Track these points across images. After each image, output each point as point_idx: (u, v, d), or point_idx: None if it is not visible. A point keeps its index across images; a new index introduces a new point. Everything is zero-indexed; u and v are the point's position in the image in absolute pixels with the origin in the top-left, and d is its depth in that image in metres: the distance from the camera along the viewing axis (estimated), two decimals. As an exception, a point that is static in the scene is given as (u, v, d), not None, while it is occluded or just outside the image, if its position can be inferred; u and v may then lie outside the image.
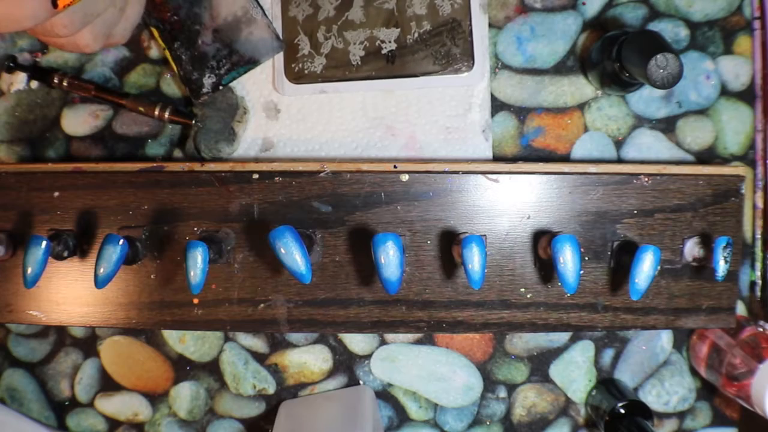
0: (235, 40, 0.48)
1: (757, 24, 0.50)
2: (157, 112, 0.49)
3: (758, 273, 0.52)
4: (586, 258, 0.45)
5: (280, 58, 0.49)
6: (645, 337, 0.53)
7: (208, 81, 0.48)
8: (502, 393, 0.53)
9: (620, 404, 0.49)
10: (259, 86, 0.50)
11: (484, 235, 0.44)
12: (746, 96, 0.51)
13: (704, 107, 0.51)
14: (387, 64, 0.48)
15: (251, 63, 0.48)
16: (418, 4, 0.48)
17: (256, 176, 0.44)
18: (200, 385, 0.53)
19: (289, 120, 0.50)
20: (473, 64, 0.48)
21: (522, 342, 0.52)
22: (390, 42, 0.48)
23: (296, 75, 0.49)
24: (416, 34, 0.48)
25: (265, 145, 0.50)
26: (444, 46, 0.47)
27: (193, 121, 0.49)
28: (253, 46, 0.48)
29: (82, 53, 0.45)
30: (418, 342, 0.53)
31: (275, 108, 0.50)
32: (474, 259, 0.38)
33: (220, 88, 0.48)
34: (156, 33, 0.47)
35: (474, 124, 0.50)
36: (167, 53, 0.48)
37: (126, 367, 0.53)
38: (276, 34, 0.48)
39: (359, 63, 0.48)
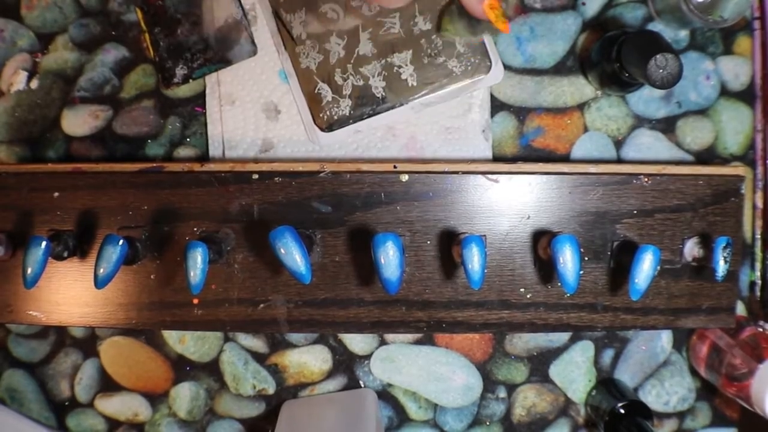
0: (212, 37, 0.48)
1: (756, 24, 0.50)
2: None
3: (758, 273, 0.52)
4: (586, 258, 0.45)
5: (305, 110, 0.49)
6: (645, 337, 0.53)
7: (180, 72, 0.48)
8: (502, 393, 0.53)
9: (620, 404, 0.49)
10: (259, 86, 0.50)
11: (484, 235, 0.44)
12: (746, 96, 0.51)
13: (704, 107, 0.51)
14: (410, 87, 0.48)
15: (223, 62, 0.48)
16: (422, 20, 0.47)
17: (255, 176, 0.44)
18: (200, 385, 0.53)
19: (289, 120, 0.50)
20: (490, 62, 0.48)
21: (522, 342, 0.52)
22: (407, 65, 0.48)
23: (327, 123, 0.48)
24: (429, 50, 0.48)
25: (265, 146, 0.50)
26: (459, 54, 0.47)
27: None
28: (228, 46, 0.48)
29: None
30: (418, 342, 0.53)
31: (275, 109, 0.50)
32: (474, 259, 0.38)
33: (191, 80, 0.49)
34: (140, 14, 0.48)
35: (474, 124, 0.50)
36: (146, 36, 0.48)
37: (126, 367, 0.53)
38: (252, 40, 0.48)
39: (384, 94, 0.48)
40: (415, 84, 0.48)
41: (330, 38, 0.48)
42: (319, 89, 0.48)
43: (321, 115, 0.48)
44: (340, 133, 0.49)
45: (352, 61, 0.48)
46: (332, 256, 0.45)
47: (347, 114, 0.48)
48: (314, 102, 0.48)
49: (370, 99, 0.48)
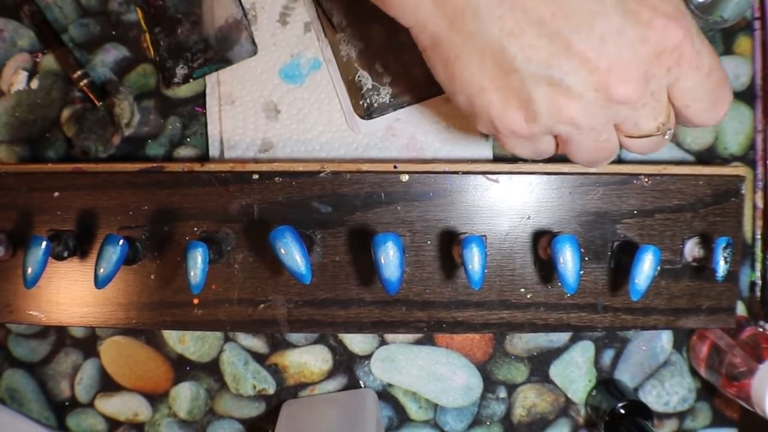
0: (213, 37, 0.48)
1: (757, 24, 0.50)
2: (75, 75, 0.49)
3: (758, 273, 0.52)
4: (586, 258, 0.45)
5: (345, 98, 0.48)
6: (645, 337, 0.53)
7: (180, 71, 0.48)
8: (502, 393, 0.53)
9: (620, 404, 0.49)
10: (259, 86, 0.50)
11: (484, 235, 0.44)
12: (746, 96, 0.51)
13: (704, 107, 0.51)
14: None
15: (223, 62, 0.48)
16: None
17: (256, 176, 0.44)
18: (200, 385, 0.53)
19: (289, 120, 0.50)
20: None
21: (522, 342, 0.52)
22: None
23: (367, 110, 0.48)
24: None
25: (264, 146, 0.50)
26: None
27: (100, 104, 0.49)
28: (229, 46, 0.48)
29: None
30: (418, 342, 0.53)
31: (275, 108, 0.50)
32: (474, 260, 0.38)
33: (191, 80, 0.49)
34: (140, 14, 0.48)
35: (474, 125, 0.50)
36: (147, 36, 0.48)
37: (126, 367, 0.53)
38: (252, 39, 0.48)
39: (425, 82, 0.47)
40: None
41: (371, 25, 0.47)
42: (359, 77, 0.47)
43: (361, 102, 0.48)
44: (379, 121, 0.48)
45: (392, 47, 0.47)
46: (332, 256, 0.45)
47: (387, 102, 0.48)
48: (354, 90, 0.48)
49: (411, 86, 0.48)
